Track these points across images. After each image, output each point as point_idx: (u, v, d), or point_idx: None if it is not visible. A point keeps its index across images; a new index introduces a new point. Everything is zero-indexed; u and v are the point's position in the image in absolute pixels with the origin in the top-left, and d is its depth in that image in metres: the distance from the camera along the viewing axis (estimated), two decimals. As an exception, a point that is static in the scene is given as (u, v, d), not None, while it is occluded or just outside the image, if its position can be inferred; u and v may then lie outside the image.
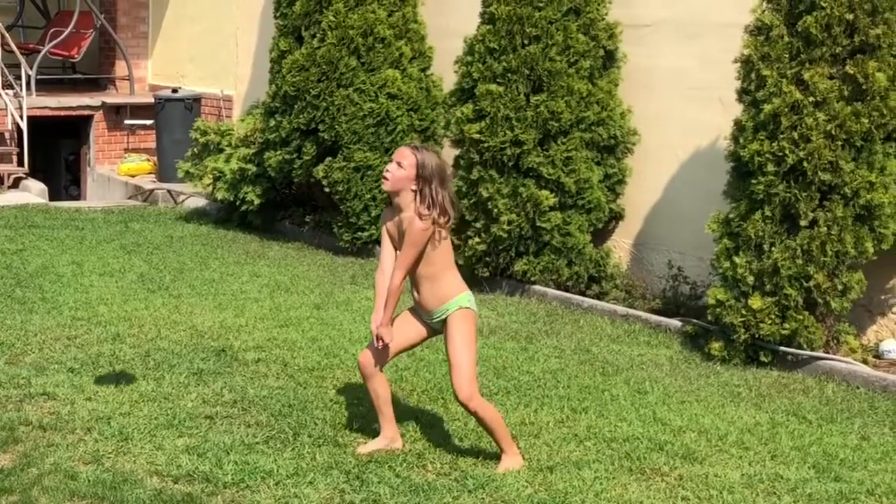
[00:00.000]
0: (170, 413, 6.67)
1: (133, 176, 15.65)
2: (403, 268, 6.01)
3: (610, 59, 10.23)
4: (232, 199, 12.51)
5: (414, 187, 5.97)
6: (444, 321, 6.08)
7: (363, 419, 6.62)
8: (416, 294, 6.16)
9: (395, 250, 6.13)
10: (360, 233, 11.28)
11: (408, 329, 6.25)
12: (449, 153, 10.80)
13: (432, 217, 5.93)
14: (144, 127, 16.45)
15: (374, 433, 6.37)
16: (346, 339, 8.29)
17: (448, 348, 6.06)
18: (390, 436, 6.28)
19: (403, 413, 6.72)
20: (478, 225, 9.89)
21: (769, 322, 7.98)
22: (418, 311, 6.23)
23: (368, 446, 6.25)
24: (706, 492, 5.87)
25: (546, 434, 6.55)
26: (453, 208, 6.03)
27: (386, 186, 6.06)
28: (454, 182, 10.03)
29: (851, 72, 7.88)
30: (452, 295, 6.06)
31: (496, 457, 6.16)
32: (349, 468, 5.96)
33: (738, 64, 8.37)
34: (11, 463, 5.90)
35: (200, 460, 5.99)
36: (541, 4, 9.81)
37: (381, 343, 6.12)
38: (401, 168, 5.98)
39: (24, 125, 15.38)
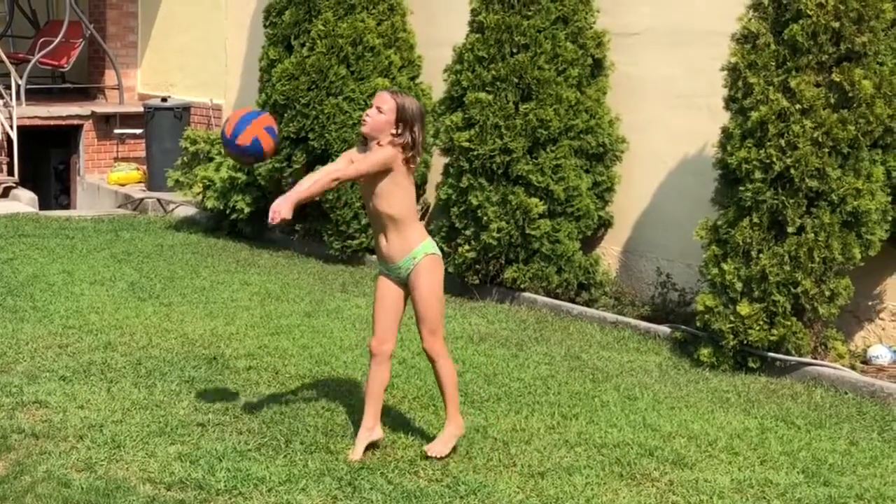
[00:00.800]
0: (162, 420, 6.69)
1: (123, 185, 15.66)
2: (352, 173, 6.04)
3: (598, 67, 10.29)
4: (222, 207, 12.53)
5: (393, 131, 6.05)
6: (412, 271, 6.17)
7: (355, 426, 6.63)
8: (382, 243, 6.24)
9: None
10: (350, 241, 11.32)
11: (391, 301, 6.31)
12: (438, 162, 10.87)
13: (407, 153, 6.04)
14: (134, 136, 16.47)
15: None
16: (336, 347, 8.32)
17: (414, 298, 6.20)
18: (370, 425, 6.32)
19: (395, 420, 6.76)
20: (467, 232, 9.93)
21: (757, 328, 8.03)
22: (385, 267, 6.30)
23: (357, 449, 6.29)
24: (696, 497, 5.91)
25: (537, 440, 6.59)
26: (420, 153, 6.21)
27: (364, 129, 6.11)
28: (444, 189, 10.08)
29: (838, 79, 7.94)
30: (418, 242, 6.19)
31: (489, 463, 6.20)
32: (341, 475, 5.99)
33: (726, 72, 8.43)
34: (4, 471, 5.92)
35: (193, 467, 6.02)
36: (529, 13, 9.86)
37: (274, 218, 5.96)
38: (381, 113, 6.06)
39: (13, 135, 15.38)
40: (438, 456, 6.22)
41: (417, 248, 6.19)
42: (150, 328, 8.72)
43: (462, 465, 6.20)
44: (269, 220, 6.00)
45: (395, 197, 6.13)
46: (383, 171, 6.09)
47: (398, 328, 6.43)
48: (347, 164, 6.15)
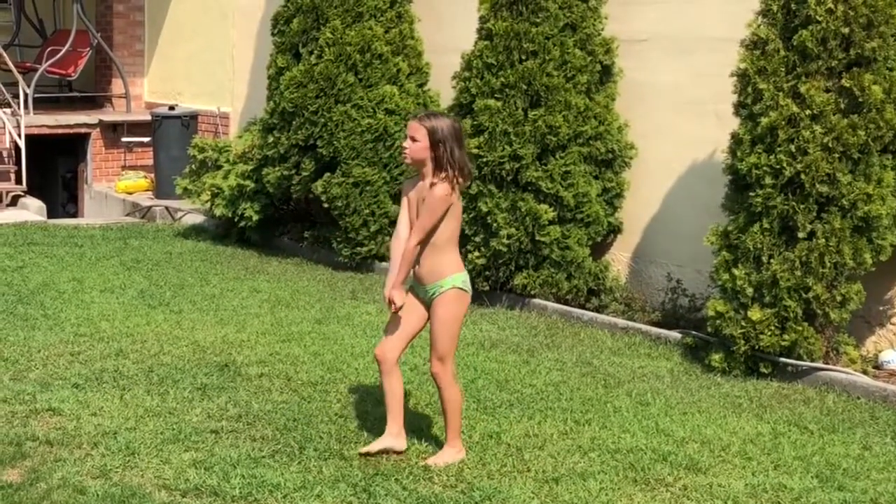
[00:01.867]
0: (175, 427, 6.71)
1: (130, 193, 15.69)
2: (421, 232, 6.15)
3: (606, 73, 10.30)
4: (230, 215, 12.55)
5: (433, 154, 6.13)
6: (436, 298, 6.24)
7: (369, 432, 6.66)
8: (416, 267, 6.29)
9: (412, 220, 6.26)
10: (359, 248, 11.33)
11: (411, 317, 6.37)
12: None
13: (450, 178, 6.09)
14: (141, 144, 16.50)
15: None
16: (348, 354, 8.33)
17: (431, 323, 6.28)
18: (395, 432, 6.38)
19: (408, 426, 6.73)
20: (477, 239, 9.94)
21: (769, 333, 8.04)
22: (414, 286, 6.37)
23: (373, 445, 6.34)
24: (710, 502, 5.93)
25: (550, 446, 6.60)
26: (469, 165, 6.25)
27: (407, 161, 6.24)
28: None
29: (848, 85, 7.95)
30: (448, 273, 6.23)
31: (503, 469, 6.21)
32: (356, 481, 6.00)
33: (735, 78, 8.43)
34: (20, 478, 5.93)
35: (208, 474, 6.03)
36: (538, 20, 9.87)
37: (393, 307, 6.25)
38: (416, 141, 6.15)
39: (21, 143, 15.43)
40: (436, 463, 6.24)
41: (447, 279, 6.23)
42: (161, 336, 8.74)
43: (476, 470, 6.21)
44: (391, 307, 6.28)
45: (444, 225, 6.19)
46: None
47: (408, 344, 6.47)
48: (410, 212, 6.29)
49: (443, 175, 6.11)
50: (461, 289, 6.25)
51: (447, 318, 6.22)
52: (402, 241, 6.28)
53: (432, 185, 6.12)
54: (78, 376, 7.63)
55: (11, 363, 7.89)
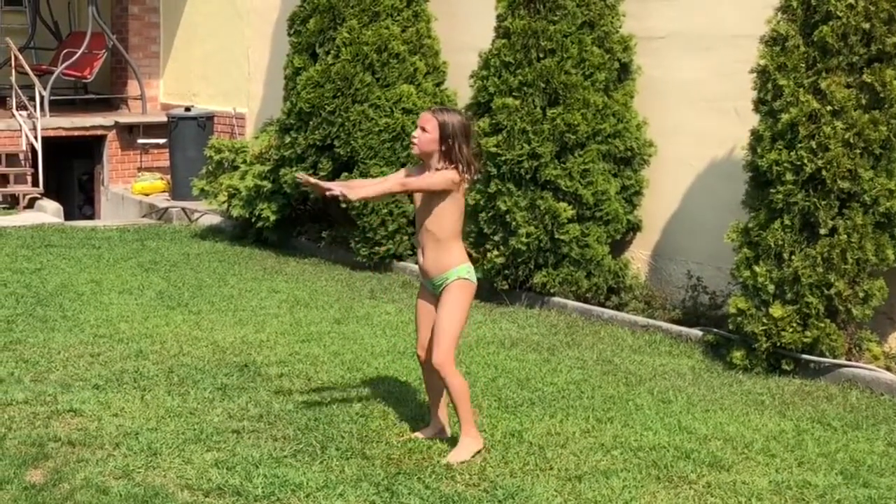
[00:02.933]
0: (197, 428, 6.70)
1: (147, 194, 15.70)
2: (421, 184, 6.23)
3: (625, 71, 10.27)
4: (247, 215, 12.55)
5: (441, 147, 6.20)
6: (443, 289, 6.31)
7: (390, 431, 6.65)
8: (421, 258, 6.39)
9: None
10: (377, 247, 11.31)
11: (426, 311, 6.48)
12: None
13: (458, 171, 6.18)
14: (157, 146, 16.52)
15: (405, 445, 6.45)
16: (368, 353, 8.31)
17: (437, 313, 6.32)
18: (438, 423, 6.58)
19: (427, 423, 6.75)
20: (496, 238, 9.92)
21: (791, 330, 8.00)
22: (423, 281, 6.47)
23: (417, 433, 6.57)
24: (735, 499, 5.89)
25: (573, 444, 6.57)
26: (477, 161, 6.37)
27: (415, 151, 6.31)
28: (472, 195, 10.06)
29: (869, 80, 7.91)
30: (453, 265, 6.31)
31: (525, 467, 6.19)
32: (378, 480, 5.98)
33: (755, 74, 8.40)
34: (43, 479, 5.92)
35: (230, 474, 6.02)
36: (555, 18, 9.85)
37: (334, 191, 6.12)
38: (425, 132, 6.22)
39: (38, 146, 15.46)
40: (453, 461, 6.24)
41: (452, 270, 6.30)
42: (180, 336, 8.73)
43: (499, 469, 6.19)
44: (330, 193, 6.12)
45: (446, 218, 6.27)
46: (444, 191, 6.22)
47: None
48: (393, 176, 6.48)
49: (451, 166, 6.19)
50: (466, 279, 6.32)
51: (453, 306, 6.30)
52: (392, 177, 6.48)
53: (438, 169, 6.21)
54: (98, 377, 7.63)
55: (32, 365, 7.89)
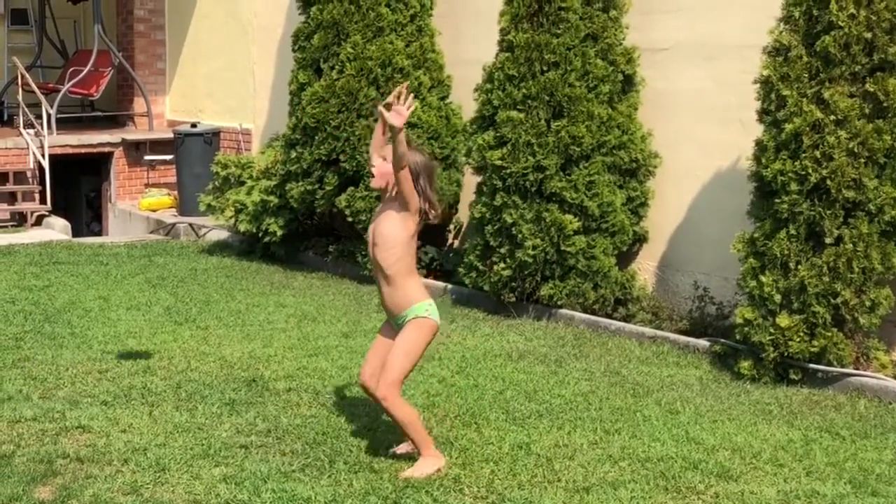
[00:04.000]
0: (205, 443, 6.71)
1: (154, 210, 15.74)
2: (400, 160, 5.94)
3: (629, 83, 10.29)
4: (254, 230, 12.58)
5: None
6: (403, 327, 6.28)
7: (397, 445, 6.65)
8: (380, 295, 6.36)
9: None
10: (383, 262, 11.31)
11: (379, 348, 6.42)
12: (471, 180, 10.88)
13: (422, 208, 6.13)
14: (164, 162, 16.57)
15: (413, 458, 6.43)
16: (375, 367, 8.32)
17: (393, 348, 6.25)
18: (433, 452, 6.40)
19: (437, 439, 6.75)
20: (503, 250, 9.93)
21: (798, 340, 8.00)
22: (389, 319, 6.41)
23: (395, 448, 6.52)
24: (743, 509, 5.91)
25: (580, 455, 6.58)
26: (439, 204, 6.25)
27: (374, 183, 6.25)
28: (477, 207, 10.08)
29: (872, 89, 7.92)
30: (411, 303, 6.24)
31: (533, 479, 6.20)
32: (386, 494, 5.99)
33: (758, 85, 8.41)
34: (52, 496, 5.93)
35: (238, 489, 6.03)
36: (558, 31, 9.87)
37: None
38: (386, 162, 6.11)
39: (45, 163, 15.51)
40: (413, 476, 6.20)
41: (409, 309, 6.24)
42: (188, 352, 8.75)
43: (507, 481, 6.19)
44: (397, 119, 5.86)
45: (396, 247, 6.16)
46: (397, 210, 6.13)
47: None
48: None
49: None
50: (423, 317, 6.24)
51: (409, 341, 6.22)
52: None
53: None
54: (106, 393, 7.65)
55: (40, 381, 7.91)
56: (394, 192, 6.16)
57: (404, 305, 6.23)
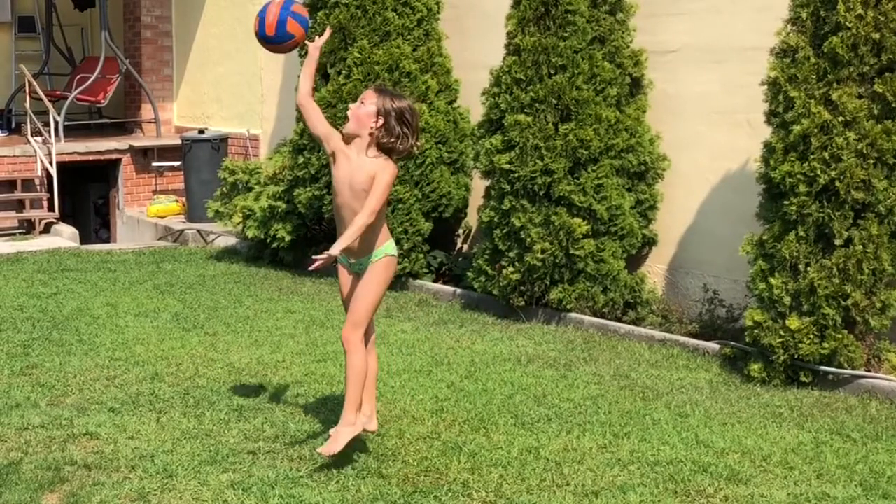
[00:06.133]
0: (212, 449, 6.69)
1: (162, 217, 15.75)
2: (371, 214, 6.18)
3: (636, 86, 10.27)
4: (262, 236, 12.56)
5: (374, 123, 6.22)
6: (368, 266, 6.36)
7: (406, 450, 6.63)
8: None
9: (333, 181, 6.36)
10: (392, 266, 11.29)
11: (350, 291, 6.50)
12: (479, 184, 10.87)
13: (395, 146, 6.23)
14: (172, 168, 16.58)
15: (422, 463, 6.41)
16: (383, 372, 8.29)
17: (357, 289, 6.36)
18: (367, 413, 6.57)
19: (446, 443, 6.74)
20: (511, 254, 9.91)
21: (808, 342, 7.97)
22: (346, 262, 6.48)
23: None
24: (753, 512, 5.87)
25: (589, 459, 6.55)
26: (411, 141, 6.30)
27: (348, 127, 6.31)
28: (486, 212, 10.05)
29: (880, 90, 7.88)
30: (382, 242, 6.37)
31: (542, 483, 6.17)
32: (395, 499, 5.96)
33: (765, 86, 8.38)
34: (60, 502, 5.92)
35: (246, 495, 6.01)
36: (566, 34, 9.84)
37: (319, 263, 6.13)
38: (362, 104, 6.27)
39: (53, 171, 15.51)
40: (327, 454, 6.25)
41: (380, 248, 6.36)
42: (196, 358, 8.73)
43: (515, 486, 6.16)
44: (314, 266, 6.15)
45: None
46: (376, 154, 6.27)
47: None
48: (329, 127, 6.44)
49: (383, 154, 6.23)
50: (392, 255, 6.41)
51: (375, 282, 6.36)
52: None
53: (380, 166, 6.20)
54: (114, 400, 7.63)
55: (48, 389, 7.90)
56: (370, 138, 6.24)
57: (376, 246, 6.34)
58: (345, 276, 6.55)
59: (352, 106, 6.33)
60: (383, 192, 6.21)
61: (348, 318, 6.36)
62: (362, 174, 6.24)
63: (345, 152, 6.33)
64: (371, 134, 6.25)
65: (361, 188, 6.23)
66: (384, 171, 6.21)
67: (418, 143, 6.40)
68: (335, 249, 6.18)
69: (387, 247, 6.38)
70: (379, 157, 6.26)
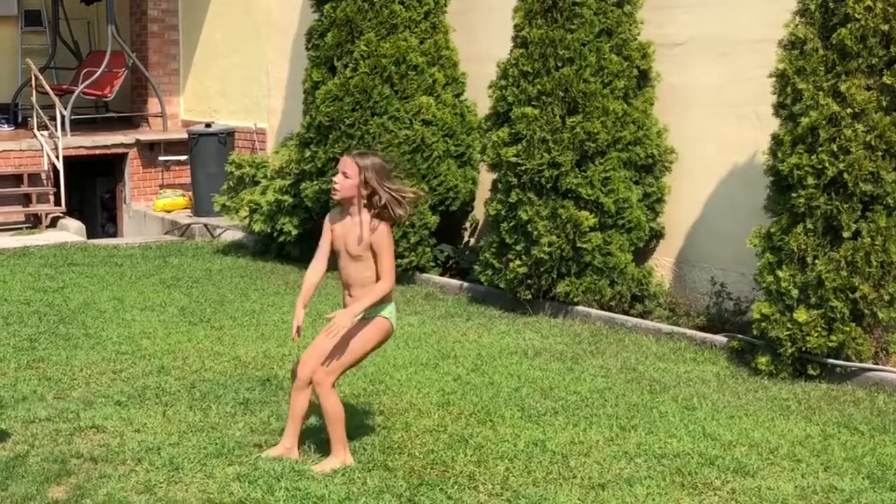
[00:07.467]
0: (219, 442, 6.67)
1: (169, 211, 15.73)
2: (390, 273, 6.25)
3: (644, 78, 10.24)
4: (269, 230, 12.55)
5: (364, 192, 6.20)
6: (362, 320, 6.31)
7: (412, 443, 6.62)
8: (347, 298, 6.38)
9: (333, 251, 6.41)
10: (399, 259, 11.28)
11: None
12: (486, 177, 10.85)
13: (390, 210, 6.19)
14: (179, 162, 16.56)
15: (428, 456, 6.41)
16: (390, 366, 8.29)
17: (346, 337, 6.27)
18: (288, 445, 6.48)
19: (452, 436, 6.73)
20: (518, 247, 9.88)
21: (816, 335, 7.94)
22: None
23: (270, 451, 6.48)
24: (761, 505, 5.85)
25: (596, 452, 6.53)
26: (402, 202, 6.26)
27: (337, 197, 6.30)
28: (493, 205, 10.03)
29: (889, 82, 7.85)
30: (385, 301, 6.31)
31: (548, 476, 6.15)
32: (400, 491, 5.95)
33: (773, 78, 8.35)
34: (66, 495, 5.91)
35: (252, 487, 5.99)
36: (573, 27, 9.82)
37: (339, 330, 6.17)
38: (347, 178, 6.23)
39: (59, 165, 15.50)
40: (320, 471, 6.23)
41: (377, 308, 6.29)
42: (202, 352, 8.72)
43: (522, 478, 6.15)
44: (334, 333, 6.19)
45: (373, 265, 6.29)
46: (371, 223, 6.25)
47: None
48: (326, 241, 6.47)
49: (376, 212, 6.21)
50: (386, 318, 6.33)
51: (365, 338, 6.30)
52: (316, 270, 6.46)
53: (373, 228, 6.20)
54: (120, 393, 7.62)
55: (55, 382, 7.89)
56: (361, 212, 6.24)
57: (378, 302, 6.26)
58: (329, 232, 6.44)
59: (336, 178, 6.28)
60: (388, 252, 6.21)
61: (326, 363, 6.27)
62: (353, 237, 6.26)
63: (337, 226, 6.35)
64: (359, 191, 6.20)
65: (356, 252, 6.26)
66: (379, 234, 6.20)
67: (407, 209, 6.31)
68: (357, 313, 6.18)
69: (386, 310, 6.33)
70: (370, 220, 6.24)
